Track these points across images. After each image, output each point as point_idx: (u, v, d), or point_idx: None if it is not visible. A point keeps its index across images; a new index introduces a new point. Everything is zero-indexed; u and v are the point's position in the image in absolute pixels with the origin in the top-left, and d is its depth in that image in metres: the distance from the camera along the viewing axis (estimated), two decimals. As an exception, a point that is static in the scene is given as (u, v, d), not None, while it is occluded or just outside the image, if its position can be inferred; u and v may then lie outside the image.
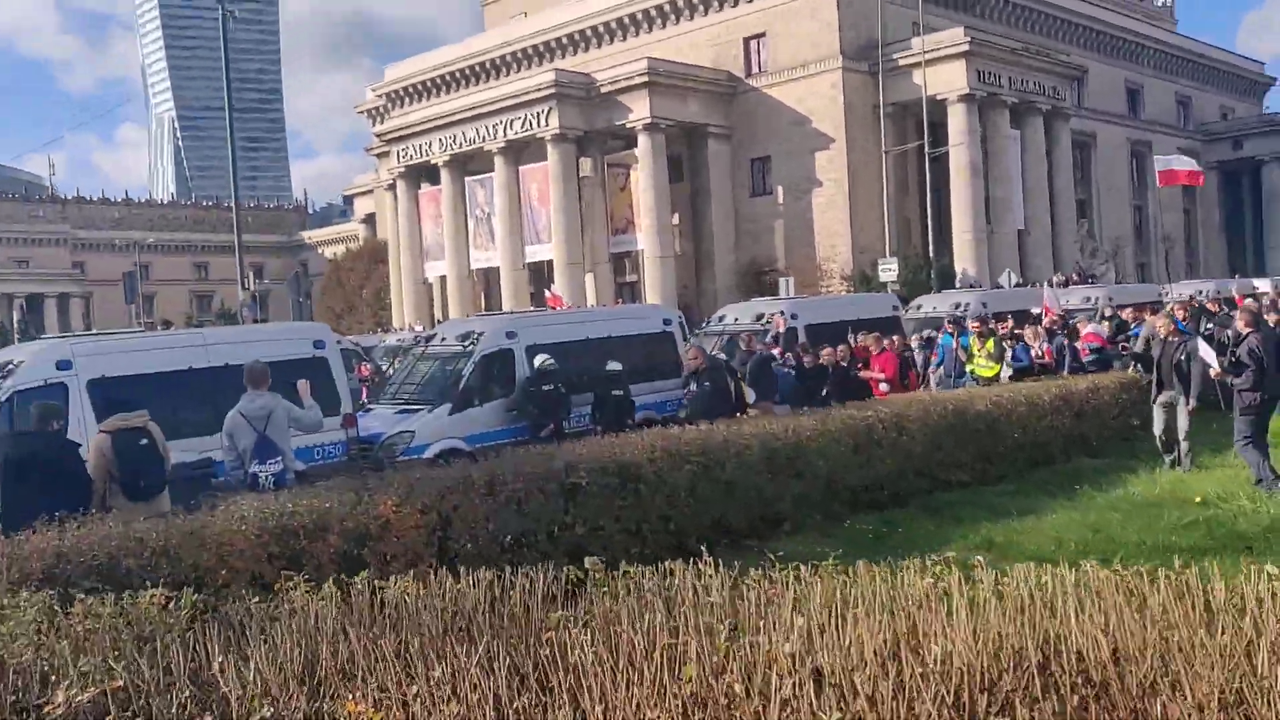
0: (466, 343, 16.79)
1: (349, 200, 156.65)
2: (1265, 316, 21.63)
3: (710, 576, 4.74)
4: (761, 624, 3.96)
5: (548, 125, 53.10)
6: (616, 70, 53.06)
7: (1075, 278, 49.18)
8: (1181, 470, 12.99)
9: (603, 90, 52.97)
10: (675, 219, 54.49)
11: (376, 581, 4.99)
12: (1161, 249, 72.57)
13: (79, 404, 12.96)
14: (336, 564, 7.37)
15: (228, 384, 14.11)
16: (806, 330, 20.75)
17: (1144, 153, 72.12)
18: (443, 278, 60.09)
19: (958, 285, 44.80)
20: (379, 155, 66.51)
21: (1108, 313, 24.36)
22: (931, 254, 50.74)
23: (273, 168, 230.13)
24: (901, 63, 50.90)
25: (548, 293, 45.04)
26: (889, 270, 45.83)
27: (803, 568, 4.85)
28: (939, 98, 50.07)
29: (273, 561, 7.09)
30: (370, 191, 73.74)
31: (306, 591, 4.88)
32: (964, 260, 51.39)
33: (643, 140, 52.48)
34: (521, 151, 55.60)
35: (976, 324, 19.99)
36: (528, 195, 55.74)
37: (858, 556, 9.79)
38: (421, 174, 60.71)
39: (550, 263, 54.90)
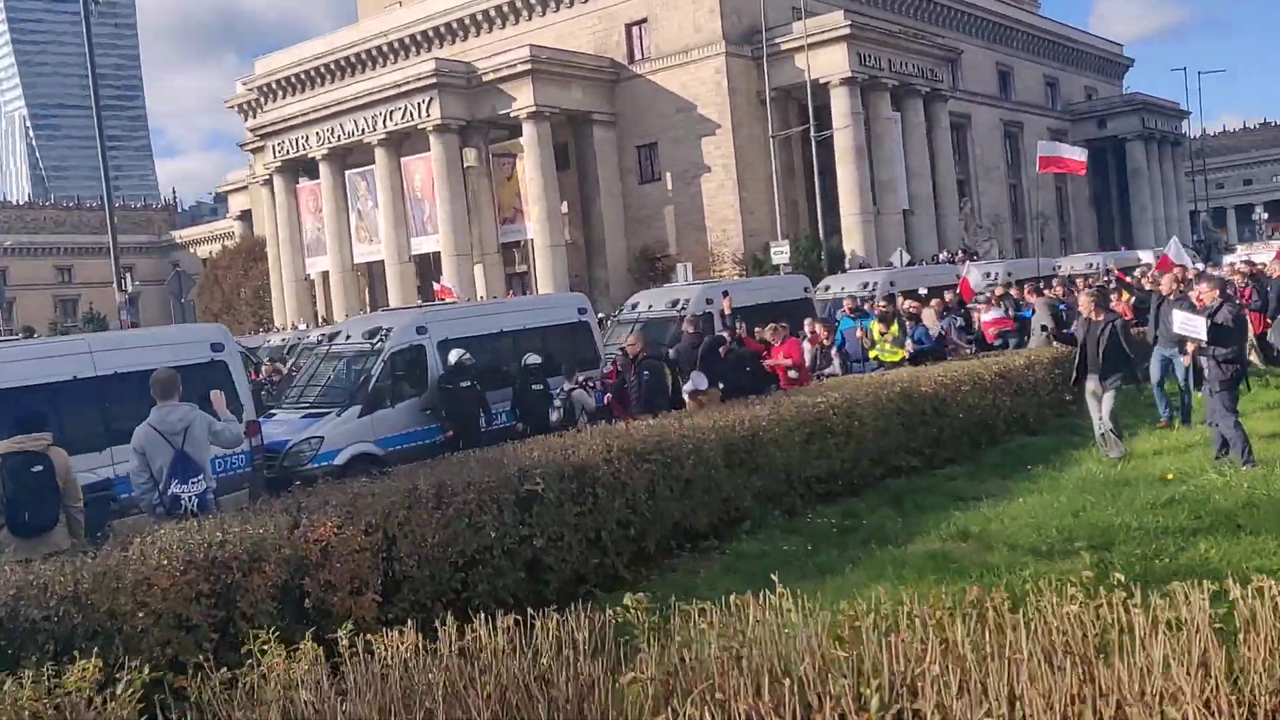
0: (374, 340, 15.78)
1: (220, 198, 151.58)
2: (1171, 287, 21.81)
3: (790, 610, 4.01)
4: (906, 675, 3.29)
5: (429, 115, 51.68)
6: (498, 58, 51.92)
7: (961, 255, 50.02)
8: (1113, 455, 11.83)
9: (484, 79, 51.76)
10: (564, 207, 53.62)
11: (368, 637, 4.16)
12: (1036, 225, 74.48)
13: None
14: (274, 599, 6.49)
15: (118, 395, 13.02)
16: (721, 315, 20.24)
17: (1016, 133, 73.95)
18: (325, 273, 58.21)
19: (847, 266, 45.04)
20: (253, 150, 64.08)
21: (1002, 291, 24.17)
22: (821, 235, 51.00)
23: (136, 166, 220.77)
24: (784, 47, 50.81)
25: (436, 285, 43.78)
26: (780, 252, 45.71)
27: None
28: (821, 81, 50.18)
29: (201, 601, 6.17)
30: (245, 188, 71.04)
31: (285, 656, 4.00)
32: (852, 241, 51.68)
33: (528, 129, 51.45)
34: (403, 143, 54.05)
35: (883, 304, 19.45)
36: (411, 187, 54.24)
37: (825, 553, 9.28)
38: (299, 168, 58.60)
39: (437, 254, 53.54)
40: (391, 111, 52.70)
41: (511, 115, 51.63)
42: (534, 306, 18.97)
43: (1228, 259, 37.99)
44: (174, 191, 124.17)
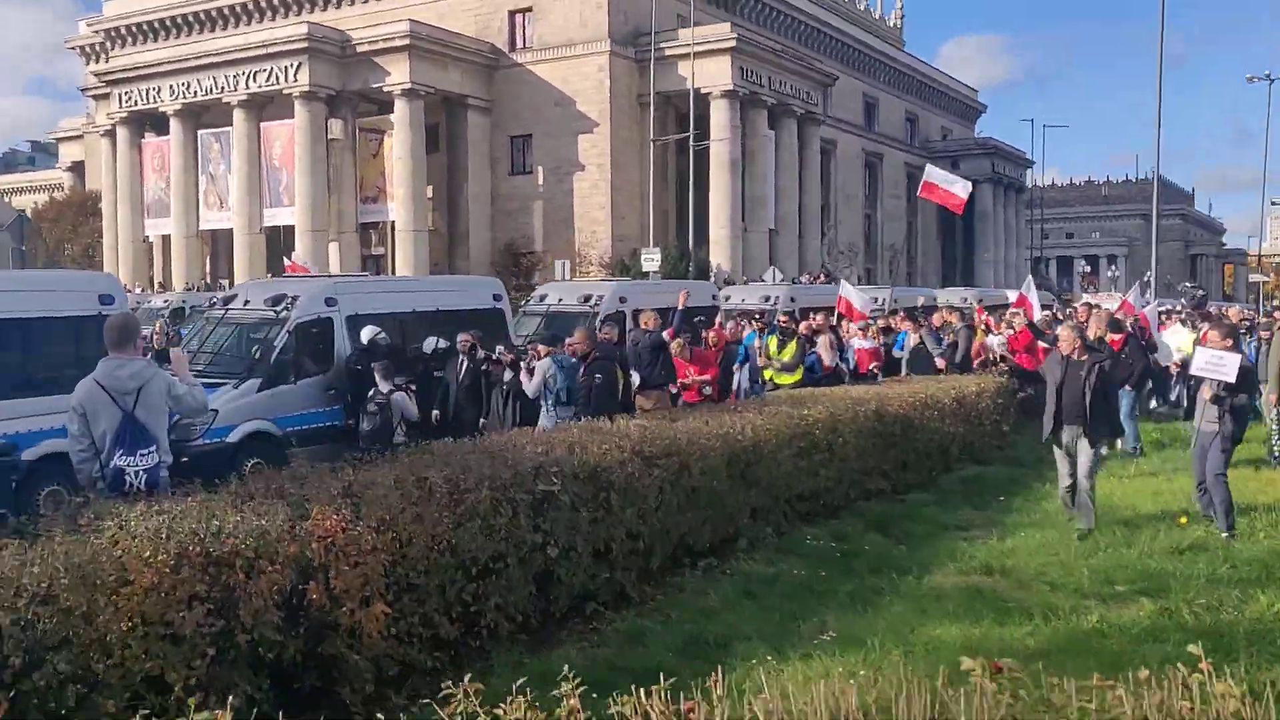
0: (278, 308, 14.25)
1: (38, 146, 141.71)
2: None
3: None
4: None
5: (297, 81, 49.15)
6: (375, 30, 49.77)
7: (822, 278, 50.47)
8: (1082, 525, 9.89)
9: (359, 49, 49.54)
10: (429, 192, 51.78)
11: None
12: (886, 256, 76.34)
13: None
14: (279, 607, 5.26)
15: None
16: (634, 316, 19.34)
17: (876, 164, 75.66)
18: (166, 237, 54.64)
19: (713, 279, 44.78)
20: (96, 98, 59.68)
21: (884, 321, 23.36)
22: (691, 247, 50.68)
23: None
24: (669, 53, 50.28)
25: (288, 260, 41.39)
26: (651, 260, 44.99)
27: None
28: (703, 91, 49.86)
29: (194, 605, 4.90)
30: (80, 137, 66.13)
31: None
32: (719, 255, 51.56)
33: (400, 106, 49.46)
34: (265, 107, 51.23)
35: (783, 319, 18.24)
36: (269, 154, 51.43)
37: (838, 580, 8.48)
38: (147, 122, 54.89)
39: (290, 228, 50.91)
40: (256, 73, 49.88)
41: (385, 90, 49.55)
42: (448, 288, 17.60)
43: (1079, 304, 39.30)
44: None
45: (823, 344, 17.34)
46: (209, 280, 53.79)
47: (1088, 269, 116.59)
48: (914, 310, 24.36)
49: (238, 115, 50.84)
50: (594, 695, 6.05)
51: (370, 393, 13.15)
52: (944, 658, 6.31)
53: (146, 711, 4.68)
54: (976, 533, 9.98)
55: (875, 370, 17.61)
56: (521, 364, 13.38)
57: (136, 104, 53.53)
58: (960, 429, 13.23)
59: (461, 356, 14.34)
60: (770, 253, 54.48)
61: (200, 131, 52.94)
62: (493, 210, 53.81)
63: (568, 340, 12.42)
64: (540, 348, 12.69)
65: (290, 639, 5.40)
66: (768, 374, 16.12)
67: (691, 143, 46.83)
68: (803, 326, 17.13)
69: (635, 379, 11.79)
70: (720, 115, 51.28)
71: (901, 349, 18.31)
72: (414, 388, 13.68)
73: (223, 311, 14.85)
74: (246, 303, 14.87)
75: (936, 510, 10.99)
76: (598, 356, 11.68)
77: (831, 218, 66.94)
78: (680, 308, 14.54)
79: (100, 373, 6.44)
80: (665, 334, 12.98)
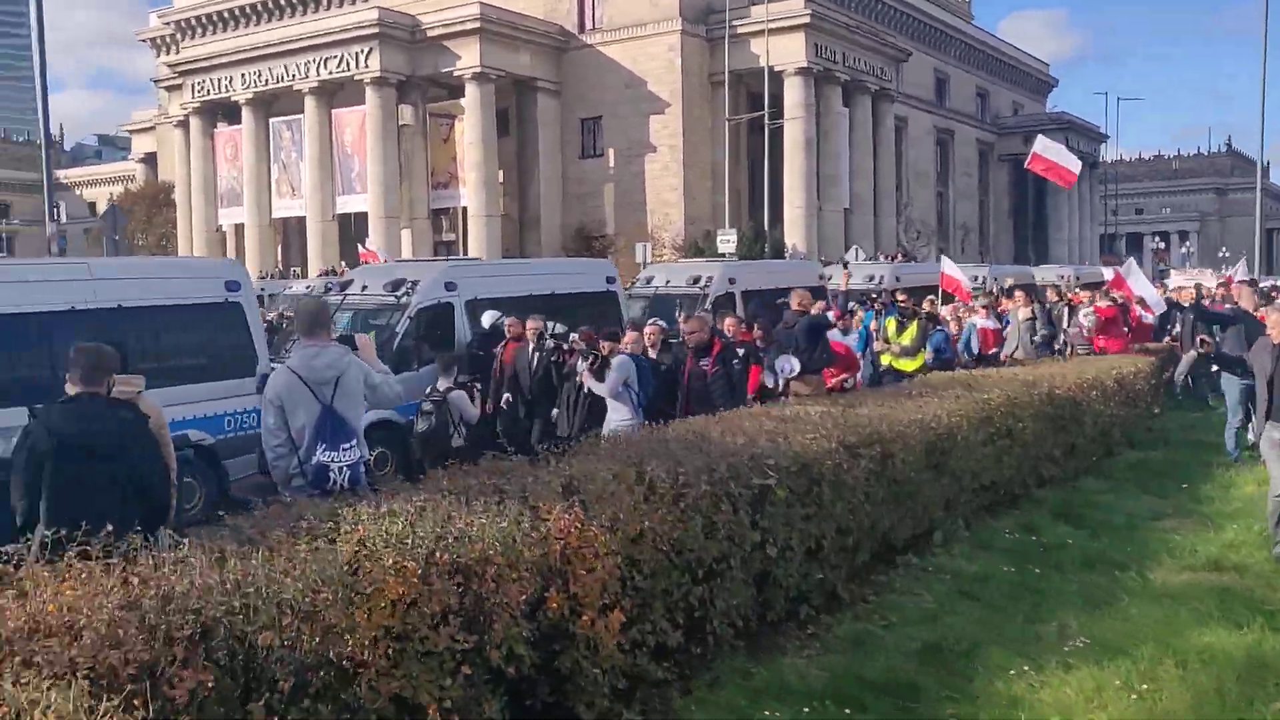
0: (398, 293, 13.84)
1: (105, 139, 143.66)
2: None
3: None
4: None
5: (367, 67, 48.99)
6: (445, 14, 49.39)
7: (900, 257, 49.42)
8: None
9: (429, 34, 49.24)
10: (500, 177, 51.44)
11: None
12: (958, 235, 74.91)
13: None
14: (526, 618, 4.78)
15: (120, 332, 10.90)
16: (744, 297, 18.75)
17: (948, 141, 74.22)
18: (239, 225, 54.86)
19: (789, 259, 43.95)
20: (168, 88, 60.10)
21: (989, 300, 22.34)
22: (768, 227, 49.87)
23: (16, 99, 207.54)
24: (740, 30, 49.37)
25: (362, 248, 41.36)
26: (727, 241, 44.28)
27: None
28: (777, 69, 48.93)
29: (441, 627, 4.40)
30: (153, 128, 66.66)
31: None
32: (794, 235, 50.71)
33: (471, 90, 49.11)
34: (335, 94, 51.20)
35: (902, 299, 17.52)
36: (341, 141, 51.38)
37: (1048, 576, 7.86)
38: (219, 112, 55.11)
39: (362, 215, 50.85)
40: (327, 59, 49.80)
41: (455, 75, 49.26)
42: (562, 271, 17.10)
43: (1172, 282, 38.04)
44: (61, 128, 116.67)
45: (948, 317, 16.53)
46: (281, 268, 53.90)
47: (1161, 245, 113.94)
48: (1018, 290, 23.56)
49: (309, 103, 50.82)
50: (847, 711, 5.54)
51: (427, 389, 12.03)
52: (1224, 670, 5.70)
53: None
54: (1172, 523, 9.30)
55: (994, 352, 16.78)
56: (580, 356, 11.57)
57: (209, 94, 53.74)
58: (1121, 411, 12.50)
59: (530, 345, 13.00)
60: (845, 232, 53.57)
61: (272, 120, 53.02)
62: (563, 194, 53.39)
63: (685, 329, 11.61)
64: (604, 344, 10.98)
65: (527, 652, 4.92)
66: (886, 359, 15.30)
67: (766, 121, 46.01)
68: (947, 309, 16.31)
69: (791, 365, 11.07)
70: (794, 93, 50.40)
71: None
72: (478, 386, 12.25)
73: (340, 297, 14.45)
74: (364, 288, 14.47)
75: (1114, 498, 10.31)
76: (724, 345, 10.94)
77: (904, 196, 65.73)
78: (844, 289, 13.82)
79: (296, 362, 5.97)
80: (830, 314, 12.31)
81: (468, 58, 48.77)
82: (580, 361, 11.43)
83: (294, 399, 5.85)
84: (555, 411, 12.19)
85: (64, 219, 23.01)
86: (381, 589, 4.29)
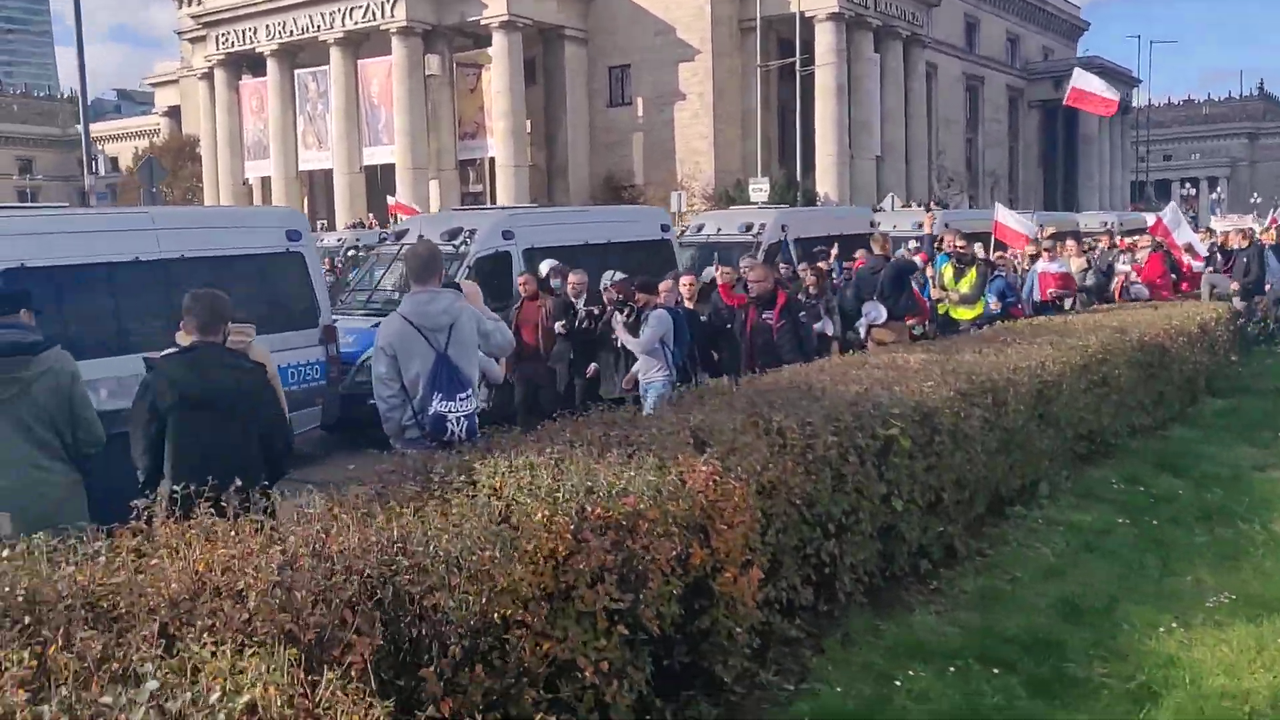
0: (456, 242, 13.55)
1: (123, 94, 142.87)
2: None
3: None
4: None
5: (393, 16, 48.36)
6: (471, -39, 48.66)
7: (933, 205, 48.73)
8: None
9: (455, -19, 48.53)
10: (527, 127, 50.87)
11: None
12: (987, 182, 73.93)
13: None
14: (669, 579, 4.54)
15: (184, 283, 10.67)
16: (796, 245, 18.40)
17: (977, 87, 72.99)
18: (265, 178, 54.55)
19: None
20: (192, 40, 59.49)
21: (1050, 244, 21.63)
22: (799, 176, 49.24)
23: (35, 53, 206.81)
24: (770, -25, 48.45)
25: (391, 199, 41.05)
26: (760, 190, 43.74)
27: None
28: (807, 14, 48.06)
29: (598, 585, 4.17)
30: (176, 81, 66.19)
31: None
32: (826, 184, 50.07)
33: (498, 39, 48.44)
34: (361, 44, 50.60)
35: (962, 245, 16.78)
36: (367, 92, 50.88)
37: (1165, 528, 7.59)
38: (243, 63, 54.61)
39: (389, 167, 50.47)
40: (352, 9, 49.19)
41: (481, 23, 48.55)
42: (617, 218, 16.77)
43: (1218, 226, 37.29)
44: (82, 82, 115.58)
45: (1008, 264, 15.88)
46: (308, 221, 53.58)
47: (1191, 191, 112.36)
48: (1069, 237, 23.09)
49: (334, 53, 50.29)
50: (995, 671, 5.30)
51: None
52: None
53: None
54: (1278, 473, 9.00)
55: (1058, 299, 16.17)
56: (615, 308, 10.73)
57: (233, 45, 53.24)
58: (1204, 358, 12.16)
59: (548, 302, 11.97)
60: (877, 180, 52.87)
61: (297, 71, 52.54)
62: (591, 143, 52.82)
63: (749, 275, 10.93)
64: (639, 296, 10.17)
65: (676, 610, 4.69)
66: (942, 308, 14.42)
67: (798, 68, 45.29)
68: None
69: (879, 312, 10.71)
70: (825, 39, 49.52)
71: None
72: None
73: (396, 248, 14.17)
74: (420, 237, 14.15)
75: (1211, 448, 10.01)
76: (792, 294, 10.48)
77: (934, 143, 64.81)
78: (929, 232, 13.41)
79: (408, 308, 5.70)
80: (918, 257, 11.93)
81: (495, 6, 48.04)
82: (616, 314, 10.71)
83: (408, 347, 5.59)
84: (593, 367, 11.51)
85: (103, 171, 22.71)
86: (538, 545, 4.05)
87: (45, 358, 5.13)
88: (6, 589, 3.20)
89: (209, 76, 56.33)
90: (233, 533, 3.74)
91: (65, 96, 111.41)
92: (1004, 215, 21.24)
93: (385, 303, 13.35)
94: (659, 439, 5.30)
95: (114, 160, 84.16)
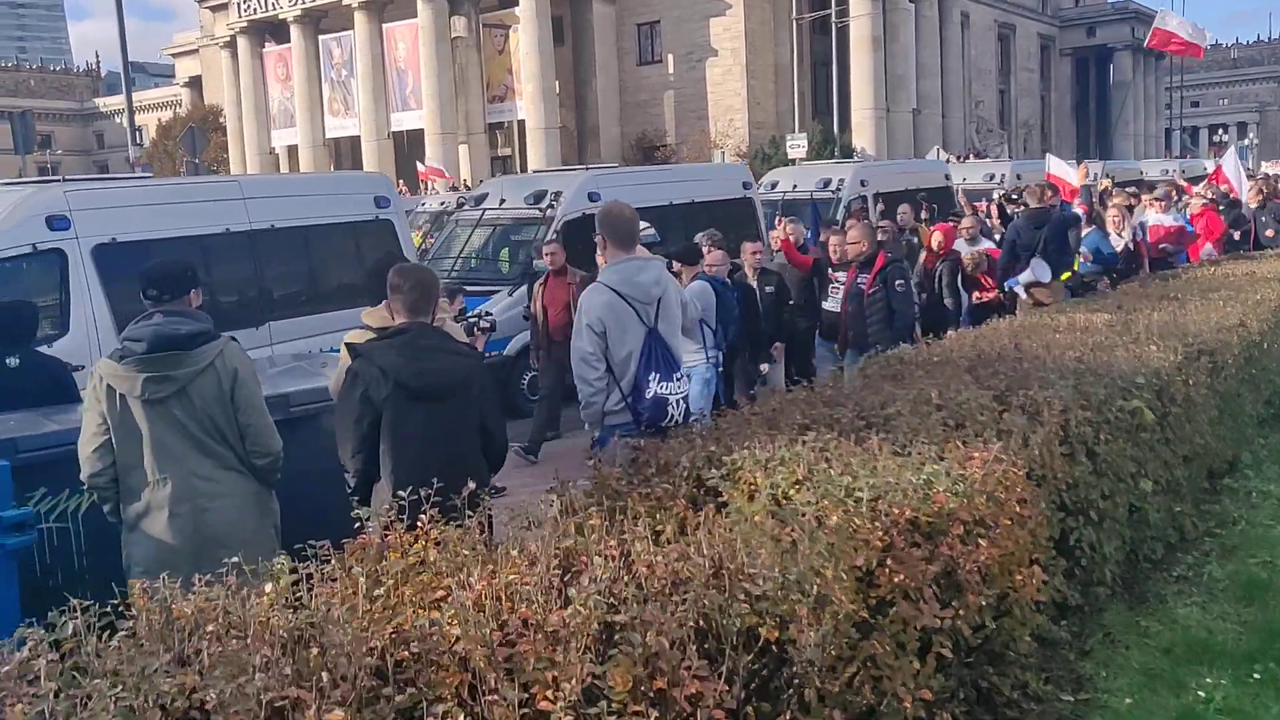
0: (542, 205, 12.86)
1: (136, 66, 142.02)
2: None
3: None
4: None
5: (418, -23, 47.38)
6: (496, -83, 47.61)
7: (972, 156, 47.68)
8: None
9: (480, -60, 47.51)
10: (556, 88, 49.92)
11: None
12: (1020, 133, 72.57)
13: (81, 284, 8.63)
14: (983, 586, 3.90)
15: (274, 255, 10.08)
16: (876, 200, 17.65)
17: (1009, 35, 71.44)
18: (291, 147, 53.85)
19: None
20: (213, 9, 58.60)
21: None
22: (836, 131, 48.26)
23: (47, 27, 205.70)
24: (802, -77, 47.28)
25: (421, 166, 40.26)
26: (797, 146, 42.79)
27: None
28: (841, -37, 46.92)
29: (920, 602, 3.53)
30: (196, 51, 65.37)
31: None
32: (863, 138, 49.02)
33: (525, -1, 47.45)
34: (385, 7, 49.70)
35: (1049, 197, 14.98)
36: (393, 57, 50.00)
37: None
38: (266, 31, 53.76)
39: (417, 132, 49.63)
40: (376, -29, 48.26)
41: (508, -18, 47.60)
42: (698, 177, 16.00)
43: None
44: (96, 56, 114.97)
45: (1111, 218, 14.26)
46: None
47: (1225, 138, 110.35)
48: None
49: (359, 18, 49.38)
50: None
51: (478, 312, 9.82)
52: None
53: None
54: None
55: (1168, 256, 14.56)
56: None
57: (255, 13, 52.43)
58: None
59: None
60: (914, 133, 51.82)
61: (321, 37, 51.69)
62: (621, 103, 51.86)
63: (848, 235, 9.38)
64: (680, 268, 8.49)
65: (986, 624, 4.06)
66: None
67: (833, 19, 44.24)
68: (1113, 204, 14.26)
69: (1045, 270, 9.87)
70: (860, -12, 48.34)
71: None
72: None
73: (478, 213, 13.48)
74: (502, 201, 13.47)
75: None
76: (893, 259, 9.01)
77: (967, 94, 63.53)
78: (1085, 181, 12.41)
79: (614, 278, 5.02)
80: (1078, 208, 11.10)
81: (520, -36, 47.08)
82: None
83: (620, 322, 4.90)
84: None
85: (146, 141, 22.07)
86: (852, 558, 3.41)
87: (205, 352, 4.39)
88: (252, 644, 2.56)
89: (231, 45, 55.53)
90: (515, 552, 3.10)
91: (81, 71, 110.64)
92: (1056, 166, 20.34)
93: (468, 273, 12.70)
94: (903, 419, 4.64)
95: (193, 125, 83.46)
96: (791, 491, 3.78)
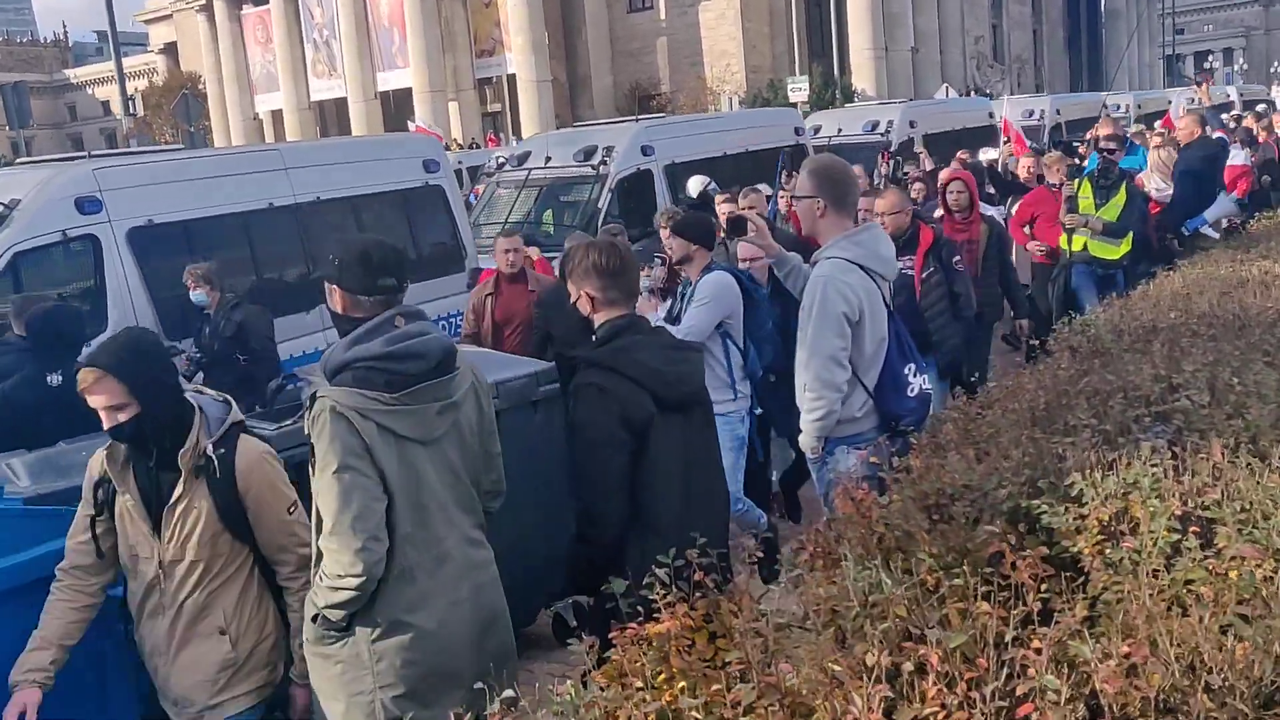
0: (594, 161, 11.84)
1: (103, 36, 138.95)
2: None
3: None
4: None
5: (399, -72, 45.85)
6: None
7: (973, 93, 46.59)
8: None
9: (462, -112, 45.92)
10: (545, 39, 48.56)
11: None
12: (1014, 68, 71.39)
13: (118, 273, 7.64)
14: None
15: (321, 229, 9.06)
16: (925, 142, 16.63)
17: (1000, -33, 70.02)
18: (276, 111, 52.40)
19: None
20: (185, -30, 56.90)
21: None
22: (836, 73, 47.07)
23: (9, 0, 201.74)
24: None
25: (412, 125, 38.94)
26: (799, 90, 41.52)
27: None
28: (834, -104, 45.46)
29: None
30: (170, 16, 63.48)
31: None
32: (862, 79, 47.89)
33: (511, -54, 45.98)
34: (366, -38, 48.14)
35: (1110, 146, 9.48)
36: (377, 14, 48.50)
37: None
38: (243, -8, 52.22)
39: (404, 92, 48.27)
40: (355, -75, 46.66)
41: (492, -69, 46.08)
42: (752, 124, 14.96)
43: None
44: (64, 26, 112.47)
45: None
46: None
47: (1214, 65, 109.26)
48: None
49: (340, -26, 47.88)
50: None
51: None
52: None
53: None
54: None
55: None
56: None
57: (231, -27, 50.78)
58: None
59: None
60: (913, 72, 50.66)
61: (300, -3, 50.17)
62: (612, 52, 50.51)
63: (878, 205, 6.54)
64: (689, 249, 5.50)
65: None
66: (1079, 241, 8.54)
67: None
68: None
69: (1234, 205, 8.90)
70: (856, -77, 47.01)
71: None
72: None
73: (523, 172, 12.44)
74: (548, 159, 12.42)
75: None
76: (941, 236, 6.75)
77: (964, 29, 62.27)
78: (1208, 103, 11.25)
79: (853, 251, 3.85)
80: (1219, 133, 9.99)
81: (505, -89, 45.57)
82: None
83: (873, 304, 3.85)
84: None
85: (137, 112, 20.90)
86: None
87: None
88: None
89: (208, 8, 53.88)
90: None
91: (50, 42, 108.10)
92: (1172, 110, 19.34)
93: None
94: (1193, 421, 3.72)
95: (105, 104, 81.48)
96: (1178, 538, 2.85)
